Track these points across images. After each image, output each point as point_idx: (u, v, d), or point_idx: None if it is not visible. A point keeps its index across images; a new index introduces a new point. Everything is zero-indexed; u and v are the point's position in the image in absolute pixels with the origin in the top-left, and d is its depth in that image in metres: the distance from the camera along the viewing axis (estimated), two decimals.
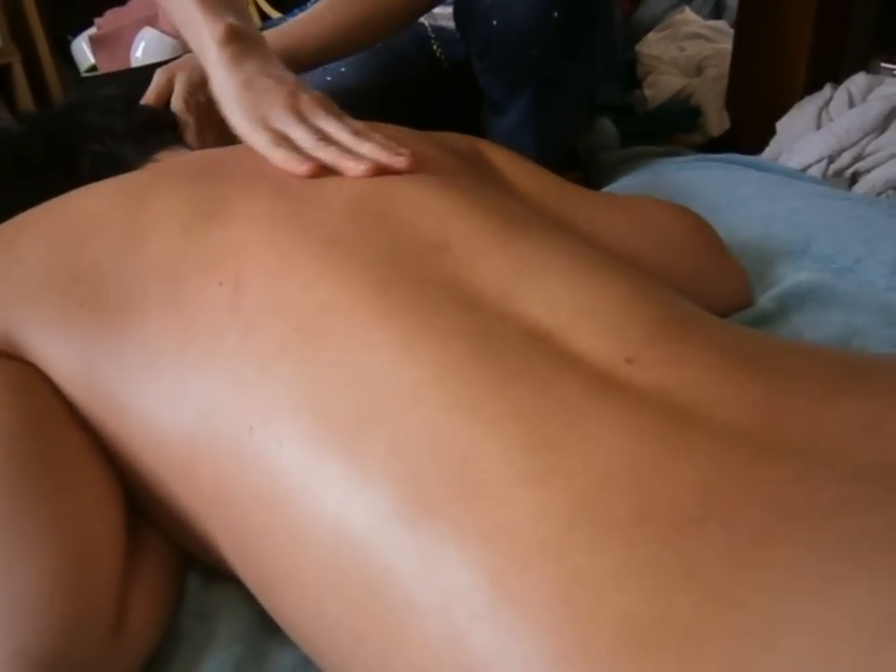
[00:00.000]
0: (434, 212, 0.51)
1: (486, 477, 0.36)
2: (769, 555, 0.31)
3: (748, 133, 1.29)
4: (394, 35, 0.98)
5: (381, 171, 0.55)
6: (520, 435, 0.37)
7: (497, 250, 0.48)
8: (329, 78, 1.09)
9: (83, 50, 1.79)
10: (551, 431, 0.37)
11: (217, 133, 0.80)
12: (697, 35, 1.60)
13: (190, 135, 0.78)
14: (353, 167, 0.56)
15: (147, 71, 0.85)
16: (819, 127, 1.17)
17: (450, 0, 1.02)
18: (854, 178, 1.12)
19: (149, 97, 0.81)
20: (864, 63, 1.26)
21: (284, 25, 0.91)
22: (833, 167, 1.12)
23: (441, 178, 0.57)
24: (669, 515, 0.33)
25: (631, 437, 0.37)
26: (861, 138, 1.11)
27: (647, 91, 1.47)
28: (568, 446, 0.36)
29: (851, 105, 1.16)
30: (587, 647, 0.31)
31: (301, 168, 0.56)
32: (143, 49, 1.69)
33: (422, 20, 1.12)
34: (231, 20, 0.65)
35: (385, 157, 0.56)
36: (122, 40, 1.71)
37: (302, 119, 0.61)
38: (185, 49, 1.65)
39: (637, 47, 1.61)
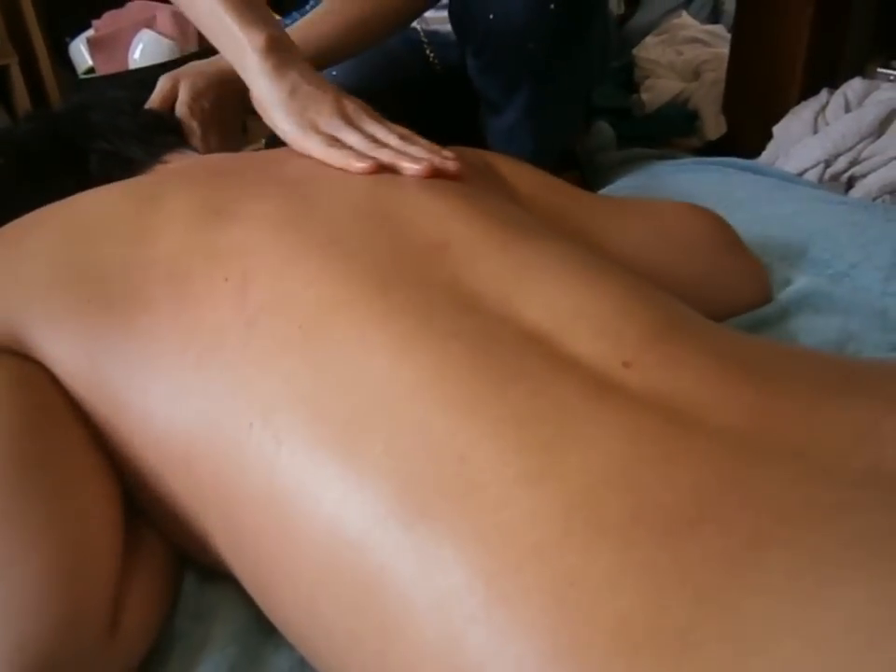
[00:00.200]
0: (435, 214, 0.52)
1: (482, 478, 0.36)
2: (764, 559, 0.31)
3: (745, 137, 1.29)
4: (392, 35, 0.98)
5: (435, 172, 0.58)
6: (516, 437, 0.37)
7: (497, 253, 0.49)
8: None
9: (81, 52, 1.78)
10: (547, 433, 0.37)
11: (221, 138, 0.82)
12: (695, 40, 1.61)
13: (195, 140, 0.79)
14: (410, 167, 0.58)
15: (145, 73, 0.85)
16: (815, 131, 1.17)
17: (442, 3, 1.02)
18: (850, 183, 1.13)
19: (154, 102, 0.81)
20: (861, 68, 1.26)
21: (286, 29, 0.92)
22: (830, 171, 1.12)
23: (443, 183, 0.57)
24: (664, 518, 0.33)
25: (627, 440, 0.37)
26: (858, 143, 1.12)
27: (644, 95, 1.47)
28: (564, 448, 0.36)
29: (848, 109, 1.17)
30: (581, 648, 0.31)
31: (361, 166, 0.58)
32: (141, 51, 1.69)
33: (414, 24, 1.12)
34: (270, 30, 0.67)
35: (436, 160, 0.59)
36: (120, 42, 1.71)
37: (351, 123, 0.64)
38: (182, 51, 1.67)
39: (635, 51, 1.61)
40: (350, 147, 0.61)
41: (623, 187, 1.10)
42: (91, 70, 1.77)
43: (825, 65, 1.24)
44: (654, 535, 0.33)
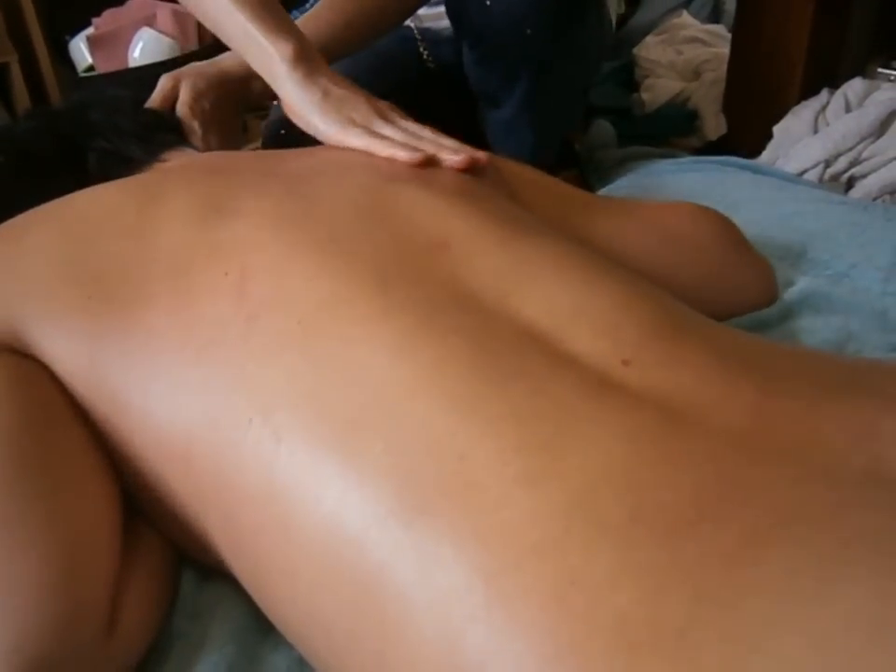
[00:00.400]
0: (435, 212, 0.52)
1: (482, 477, 0.36)
2: (763, 557, 0.31)
3: (745, 136, 1.29)
4: (390, 30, 0.98)
5: (473, 163, 0.61)
6: (516, 436, 0.37)
7: (497, 250, 0.49)
8: None
9: (81, 50, 1.78)
10: (546, 432, 0.37)
11: (221, 138, 0.82)
12: (695, 40, 1.61)
13: (196, 140, 0.79)
14: (451, 158, 0.61)
15: (145, 71, 0.85)
16: (815, 131, 1.17)
17: (435, 0, 1.02)
18: (850, 183, 1.13)
19: (154, 102, 0.81)
20: (861, 68, 1.27)
21: None
22: (830, 171, 1.12)
23: (443, 181, 0.58)
24: (664, 517, 0.33)
25: (626, 439, 0.37)
26: (858, 143, 1.12)
27: (644, 95, 1.47)
28: (564, 447, 0.36)
29: (848, 109, 1.17)
30: (581, 647, 0.31)
31: (408, 155, 0.60)
32: (140, 50, 1.69)
33: (408, 22, 1.12)
34: (297, 40, 0.68)
35: (469, 152, 0.62)
36: (120, 40, 1.71)
37: (387, 119, 0.66)
38: (182, 49, 1.67)
39: (635, 50, 1.61)
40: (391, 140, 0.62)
41: (622, 186, 1.10)
42: (90, 68, 1.77)
43: (825, 65, 1.24)
44: (654, 534, 0.33)
